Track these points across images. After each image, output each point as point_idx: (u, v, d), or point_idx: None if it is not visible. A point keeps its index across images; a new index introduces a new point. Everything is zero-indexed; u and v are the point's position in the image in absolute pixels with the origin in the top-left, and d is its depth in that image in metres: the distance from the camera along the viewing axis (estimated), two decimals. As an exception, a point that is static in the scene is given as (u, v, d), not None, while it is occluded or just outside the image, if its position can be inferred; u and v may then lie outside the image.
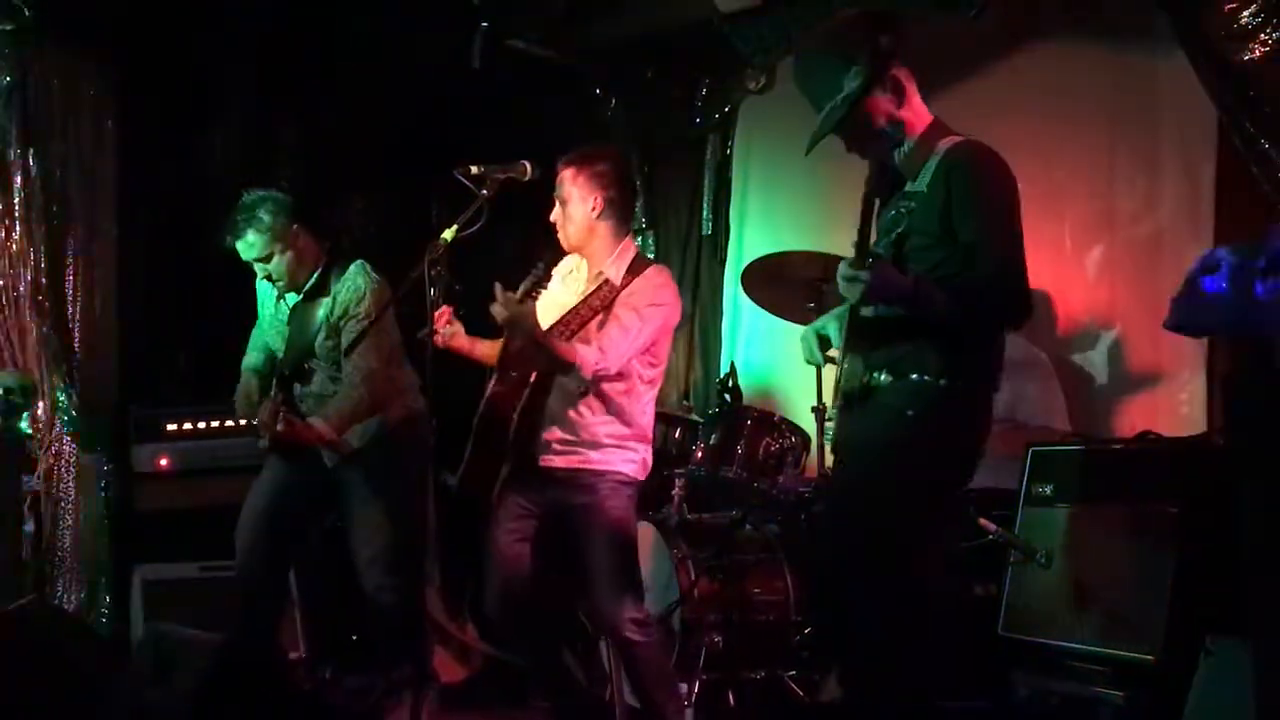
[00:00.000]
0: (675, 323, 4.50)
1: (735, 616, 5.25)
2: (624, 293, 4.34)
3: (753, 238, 6.98)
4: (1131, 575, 4.24)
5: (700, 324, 7.27)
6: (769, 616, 5.35)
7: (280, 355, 5.19)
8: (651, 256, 4.31)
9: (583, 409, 4.35)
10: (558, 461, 4.37)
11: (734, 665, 5.16)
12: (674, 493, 5.55)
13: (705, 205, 7.22)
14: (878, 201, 3.75)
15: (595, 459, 4.37)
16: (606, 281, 4.32)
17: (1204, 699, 3.78)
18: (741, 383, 5.98)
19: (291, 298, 5.14)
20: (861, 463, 3.67)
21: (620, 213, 4.45)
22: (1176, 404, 5.17)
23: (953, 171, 3.59)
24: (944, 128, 3.75)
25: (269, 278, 5.10)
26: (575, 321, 4.33)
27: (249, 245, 5.01)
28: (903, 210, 3.66)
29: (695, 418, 5.80)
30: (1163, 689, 4.00)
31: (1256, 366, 3.47)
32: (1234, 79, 4.67)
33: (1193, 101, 5.00)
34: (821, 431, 5.29)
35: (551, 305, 4.40)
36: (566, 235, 4.45)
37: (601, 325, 4.30)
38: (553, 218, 4.45)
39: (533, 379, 4.37)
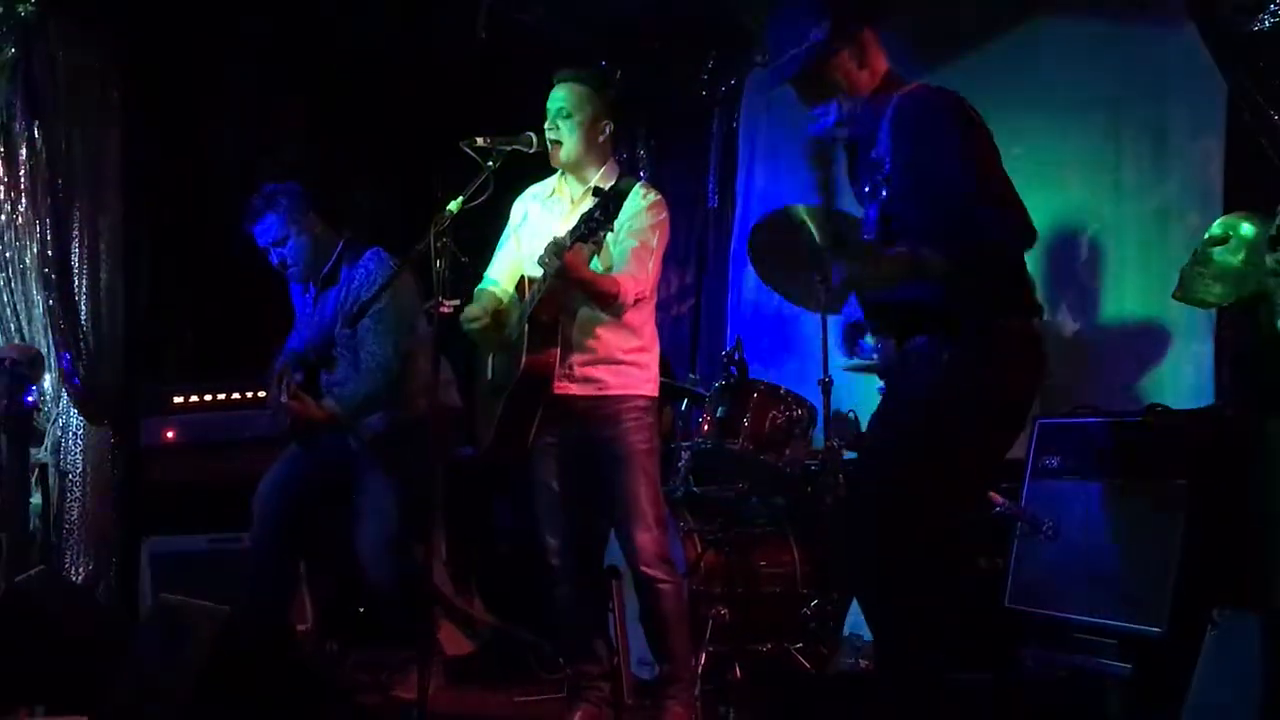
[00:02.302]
0: (669, 229, 4.61)
1: (742, 589, 5.26)
2: (624, 216, 4.32)
3: (758, 211, 6.95)
4: (1138, 548, 4.24)
5: (706, 297, 7.27)
6: (776, 589, 5.37)
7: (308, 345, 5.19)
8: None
9: (600, 331, 4.43)
10: (574, 389, 4.43)
11: (740, 638, 5.17)
12: (680, 465, 5.55)
13: (711, 178, 7.21)
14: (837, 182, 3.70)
15: (613, 384, 4.45)
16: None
17: (1210, 671, 3.77)
18: (748, 355, 5.97)
19: (314, 290, 5.16)
20: (903, 415, 3.55)
21: (618, 142, 4.65)
22: (1184, 376, 5.16)
23: (902, 129, 3.46)
24: (895, 80, 3.62)
25: (284, 264, 5.09)
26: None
27: (266, 228, 5.03)
28: (878, 180, 3.53)
29: (701, 390, 5.79)
30: (1169, 661, 4.00)
31: (1265, 338, 3.46)
32: (1243, 50, 4.66)
33: (1202, 73, 4.99)
34: (828, 405, 5.29)
35: (543, 232, 4.41)
36: (565, 150, 4.49)
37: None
38: (549, 132, 4.47)
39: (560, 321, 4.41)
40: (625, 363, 4.48)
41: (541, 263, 4.20)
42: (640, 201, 4.45)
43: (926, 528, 3.39)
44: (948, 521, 3.47)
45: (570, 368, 4.42)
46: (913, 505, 3.39)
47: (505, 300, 4.65)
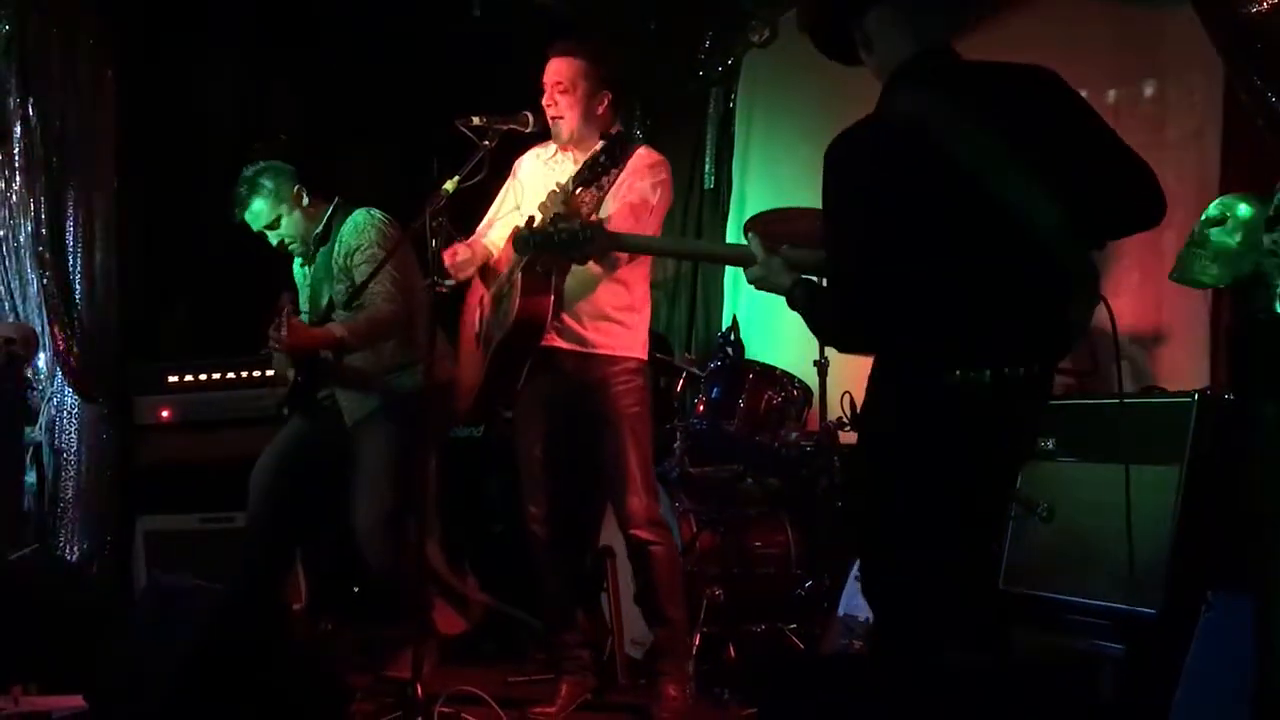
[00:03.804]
0: (671, 193, 4.58)
1: (736, 570, 5.26)
2: (626, 173, 4.37)
3: (755, 192, 6.95)
4: (1133, 529, 4.23)
5: (702, 277, 7.25)
6: (770, 570, 5.37)
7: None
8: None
9: (591, 285, 4.43)
10: (560, 343, 4.44)
11: (735, 618, 5.18)
12: (675, 446, 5.55)
13: (708, 159, 7.21)
14: None
15: (600, 344, 4.45)
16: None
17: (1204, 653, 3.78)
18: (744, 336, 5.97)
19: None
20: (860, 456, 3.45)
21: (617, 112, 4.60)
22: (1179, 358, 5.16)
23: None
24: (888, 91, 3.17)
25: (282, 245, 5.06)
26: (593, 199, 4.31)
27: (256, 214, 4.98)
28: None
29: (697, 371, 5.79)
30: (1163, 643, 4.00)
31: (1262, 320, 3.46)
32: (1241, 32, 4.64)
33: (1199, 54, 4.98)
34: (824, 386, 5.28)
35: (544, 189, 4.39)
36: (566, 126, 4.47)
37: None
38: (549, 108, 4.46)
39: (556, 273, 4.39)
40: (613, 320, 4.47)
41: (544, 209, 4.19)
42: (643, 160, 4.45)
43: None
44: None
45: (561, 321, 4.41)
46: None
47: (494, 254, 4.64)
